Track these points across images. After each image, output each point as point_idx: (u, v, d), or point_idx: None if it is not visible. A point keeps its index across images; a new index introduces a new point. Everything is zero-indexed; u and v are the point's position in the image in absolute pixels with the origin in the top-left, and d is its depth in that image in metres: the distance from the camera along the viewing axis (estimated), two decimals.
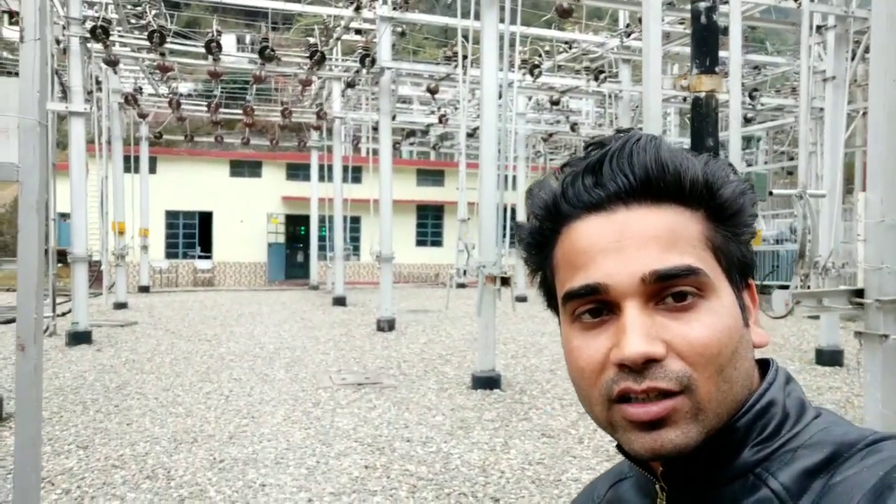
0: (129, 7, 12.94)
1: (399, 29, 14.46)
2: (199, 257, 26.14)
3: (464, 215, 9.17)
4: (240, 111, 18.16)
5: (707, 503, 0.64)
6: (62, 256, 11.99)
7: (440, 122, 18.24)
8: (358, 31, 13.91)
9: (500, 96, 9.43)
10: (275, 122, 19.80)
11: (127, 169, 17.44)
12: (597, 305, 0.63)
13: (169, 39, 12.16)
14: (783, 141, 21.84)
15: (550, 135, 21.02)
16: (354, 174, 19.18)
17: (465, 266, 8.58)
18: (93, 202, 14.28)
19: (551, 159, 25.68)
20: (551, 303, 0.70)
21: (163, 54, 11.93)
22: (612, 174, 0.63)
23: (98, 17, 11.35)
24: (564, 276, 0.65)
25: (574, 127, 19.35)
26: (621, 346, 0.60)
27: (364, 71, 12.54)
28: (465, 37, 10.00)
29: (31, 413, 1.91)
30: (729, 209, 0.66)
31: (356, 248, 24.31)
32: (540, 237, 0.69)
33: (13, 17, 7.41)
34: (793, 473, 0.60)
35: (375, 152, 14.63)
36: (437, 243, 27.97)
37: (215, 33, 11.62)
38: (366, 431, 6.19)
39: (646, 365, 0.60)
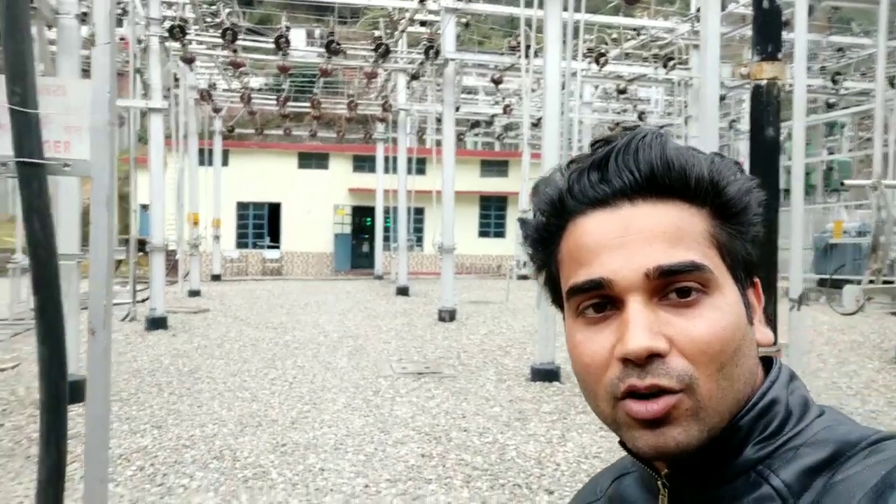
0: (204, 6, 13.42)
1: (464, 20, 14.46)
2: (268, 247, 26.96)
3: (525, 206, 9.12)
4: (308, 104, 18.57)
5: (709, 500, 0.64)
6: (142, 246, 12.59)
7: (504, 112, 18.14)
8: (423, 23, 13.99)
9: (563, 86, 9.31)
10: (341, 115, 20.14)
11: (201, 162, 18.15)
12: (601, 300, 0.63)
13: (241, 36, 12.55)
14: (869, 127, 20.71)
15: (617, 124, 20.61)
16: (419, 165, 19.35)
17: (526, 258, 8.54)
18: (170, 194, 14.95)
19: None
20: (556, 299, 0.71)
21: (235, 51, 12.33)
22: (618, 170, 0.64)
23: (176, 17, 11.82)
24: (569, 272, 0.66)
25: (642, 116, 18.91)
26: (624, 341, 0.60)
27: (428, 63, 12.61)
28: (529, 25, 9.91)
29: (101, 393, 2.06)
30: (734, 207, 0.66)
31: (419, 239, 24.55)
32: (545, 233, 0.69)
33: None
34: (794, 471, 0.60)
35: (439, 143, 14.72)
36: (500, 234, 27.91)
37: (284, 29, 11.92)
38: (423, 420, 6.28)
39: (648, 360, 0.60)
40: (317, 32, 29.23)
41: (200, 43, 13.59)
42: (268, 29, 16.98)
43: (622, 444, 0.67)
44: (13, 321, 11.24)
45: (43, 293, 1.91)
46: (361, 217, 27.06)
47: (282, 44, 11.76)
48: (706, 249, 0.64)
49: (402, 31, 13.62)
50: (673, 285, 0.62)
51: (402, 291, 17.36)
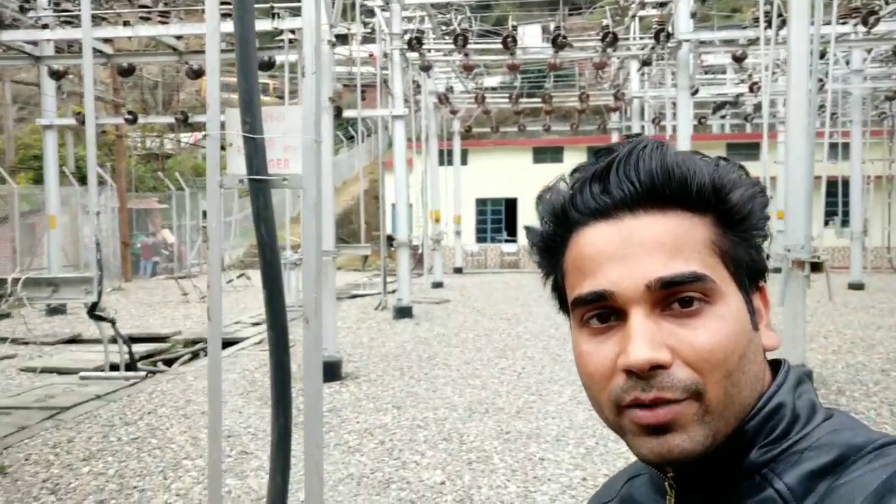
0: (439, 16, 14.32)
1: None
2: (506, 241, 27.83)
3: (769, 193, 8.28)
4: (539, 99, 18.82)
5: (714, 501, 0.65)
6: (390, 241, 13.85)
7: (751, 90, 16.60)
8: (662, 4, 13.38)
9: (822, 54, 8.30)
10: (574, 107, 20.07)
11: (441, 162, 19.37)
12: (604, 311, 0.64)
13: (472, 40, 13.16)
14: None
15: None
16: None
17: (768, 249, 7.77)
18: (414, 193, 16.21)
19: None
20: (563, 306, 0.72)
21: (467, 55, 12.97)
22: (619, 181, 0.64)
23: (413, 30, 12.79)
24: (573, 282, 0.67)
25: None
26: (627, 353, 0.61)
27: (659, 46, 12.04)
28: None
29: (315, 372, 2.38)
30: (737, 214, 0.65)
31: None
32: (550, 242, 0.70)
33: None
34: (798, 475, 0.60)
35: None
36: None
37: (511, 29, 12.25)
38: None
39: (652, 371, 0.60)
40: (551, 27, 29.43)
41: (437, 51, 14.52)
42: (503, 29, 17.57)
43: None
44: (287, 308, 13.10)
45: (270, 286, 2.28)
46: None
47: (509, 43, 12.10)
48: (707, 258, 0.63)
49: (633, 17, 13.16)
50: (675, 296, 0.62)
51: None
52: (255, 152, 2.22)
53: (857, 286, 15.60)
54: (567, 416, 6.21)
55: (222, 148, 2.36)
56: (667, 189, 0.63)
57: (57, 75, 12.90)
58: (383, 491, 4.57)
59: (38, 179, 17.48)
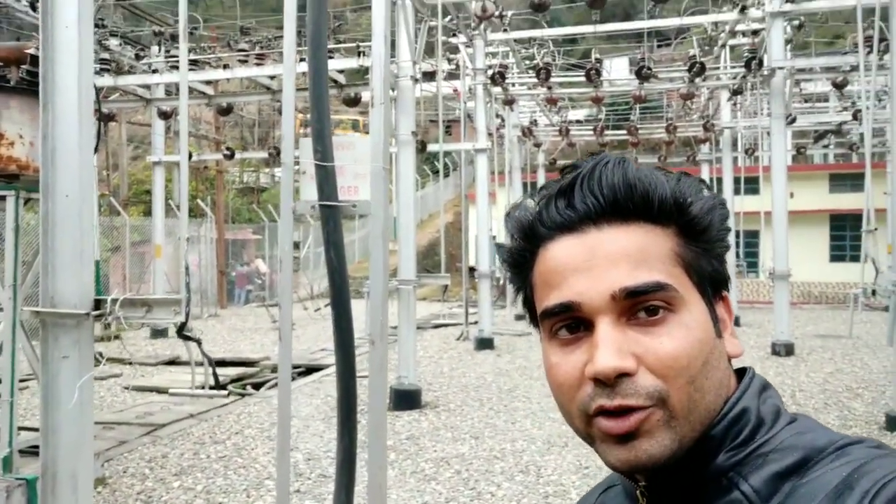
0: (522, 51, 14.50)
1: (796, 22, 13.08)
2: None
3: (870, 224, 7.82)
4: (625, 132, 18.58)
5: None
6: (472, 272, 13.91)
7: (854, 118, 15.75)
8: (755, 32, 13.02)
9: None
10: (661, 139, 19.67)
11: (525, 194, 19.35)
12: (572, 322, 0.66)
13: (556, 73, 13.22)
14: None
15: None
16: (750, 185, 17.83)
17: (874, 284, 7.30)
18: (497, 225, 16.25)
19: None
20: (533, 319, 0.73)
21: (550, 88, 13.03)
22: (583, 196, 0.67)
23: (497, 65, 12.99)
24: (541, 295, 0.69)
25: None
26: (594, 361, 0.63)
27: (751, 75, 11.67)
28: (872, 14, 8.57)
29: (380, 394, 2.44)
30: (698, 225, 0.67)
31: (753, 264, 22.45)
32: (519, 257, 0.72)
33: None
34: (763, 477, 0.62)
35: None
36: (857, 258, 23.99)
37: (594, 61, 12.23)
38: None
39: (618, 379, 0.62)
40: (639, 58, 29.10)
41: (520, 84, 14.66)
42: (588, 62, 17.56)
43: None
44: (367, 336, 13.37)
45: (338, 309, 2.37)
46: None
47: (592, 75, 12.07)
48: (671, 268, 0.65)
49: (722, 46, 12.85)
50: (640, 305, 0.64)
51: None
52: (326, 179, 2.35)
53: None
54: None
55: (296, 181, 2.51)
56: (629, 202, 0.66)
57: (165, 116, 13.92)
58: None
59: (148, 212, 18.81)
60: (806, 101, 19.71)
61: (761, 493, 0.61)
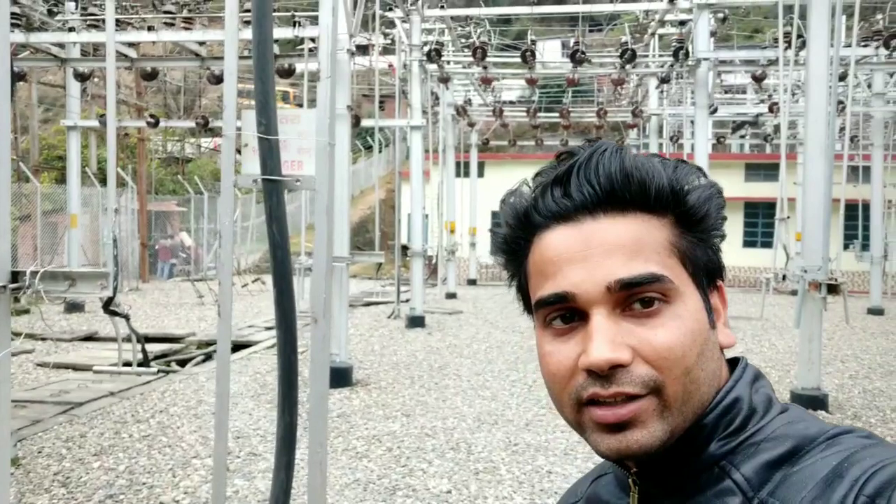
0: (458, 29, 14.43)
1: (720, 14, 13.53)
2: None
3: (783, 213, 8.26)
4: (557, 114, 18.86)
5: (676, 495, 0.66)
6: (405, 251, 13.88)
7: (770, 111, 16.52)
8: (682, 23, 13.39)
9: (843, 77, 8.27)
10: (591, 123, 20.09)
11: (458, 174, 19.42)
12: (566, 312, 0.66)
13: (491, 53, 13.24)
14: None
15: None
16: None
17: (785, 270, 7.73)
18: (430, 204, 16.24)
19: None
20: (527, 308, 0.73)
21: (485, 67, 13.05)
22: (579, 185, 0.66)
23: (433, 42, 12.89)
24: (536, 284, 0.69)
25: None
26: (588, 353, 0.63)
27: (678, 64, 12.04)
28: (791, 11, 8.96)
29: (321, 372, 2.42)
30: (695, 215, 0.67)
31: None
32: (514, 245, 0.72)
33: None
34: (755, 465, 0.62)
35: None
36: (769, 244, 25.34)
37: (530, 43, 12.32)
38: None
39: (612, 370, 0.62)
40: (571, 42, 29.51)
41: (456, 63, 14.61)
42: (522, 43, 17.67)
43: None
44: (300, 314, 13.18)
45: (280, 285, 2.33)
46: None
47: (528, 57, 12.16)
48: (666, 259, 0.65)
49: (652, 34, 13.18)
50: (635, 296, 0.64)
51: None
52: (270, 153, 2.28)
53: (876, 311, 15.39)
54: None
55: (238, 152, 2.42)
56: (626, 192, 0.65)
57: (82, 78, 13.14)
58: (389, 497, 4.58)
59: (61, 179, 17.80)
60: (726, 93, 20.50)
61: (753, 482, 0.62)
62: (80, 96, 14.75)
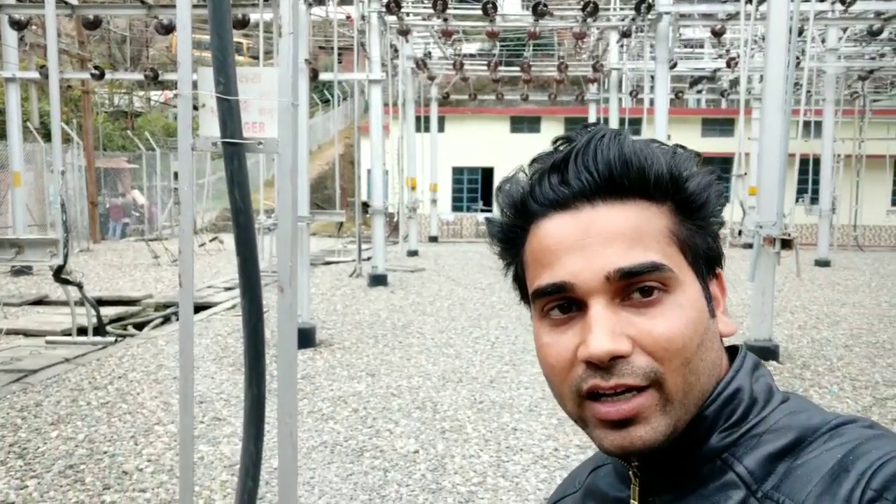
0: None
1: None
2: (482, 210, 27.82)
3: (740, 168, 8.38)
4: (518, 68, 18.65)
5: (677, 488, 0.66)
6: (366, 208, 13.71)
7: (728, 66, 16.63)
8: None
9: (799, 32, 8.30)
10: (553, 77, 19.95)
11: (418, 129, 19.15)
12: (564, 302, 0.64)
13: (452, 5, 12.92)
14: None
15: (871, 72, 17.83)
16: (633, 126, 18.56)
17: (741, 225, 7.88)
18: (391, 160, 16.02)
19: (875, 100, 21.84)
20: (524, 297, 0.72)
21: (446, 20, 12.75)
22: (577, 172, 0.64)
23: None
24: (533, 273, 0.67)
25: None
26: (587, 344, 0.61)
27: (640, 18, 11.95)
28: None
29: (289, 341, 2.35)
30: (695, 202, 0.66)
31: None
32: (511, 233, 0.70)
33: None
34: (758, 458, 0.61)
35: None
36: (726, 198, 25.90)
37: None
38: None
39: (612, 361, 0.61)
40: None
41: (415, 15, 14.24)
42: None
43: None
44: (261, 273, 12.98)
45: (243, 253, 2.23)
46: None
47: (489, 9, 11.91)
48: (666, 247, 0.64)
49: None
50: (635, 285, 0.62)
51: None
52: (230, 114, 2.15)
53: (823, 263, 15.93)
54: (540, 386, 6.26)
55: (195, 108, 2.28)
56: (625, 179, 0.64)
57: (19, 25, 12.40)
58: (357, 459, 4.59)
59: (1, 135, 16.93)
60: (685, 47, 20.54)
61: (756, 475, 0.61)
62: (18, 46, 13.94)
